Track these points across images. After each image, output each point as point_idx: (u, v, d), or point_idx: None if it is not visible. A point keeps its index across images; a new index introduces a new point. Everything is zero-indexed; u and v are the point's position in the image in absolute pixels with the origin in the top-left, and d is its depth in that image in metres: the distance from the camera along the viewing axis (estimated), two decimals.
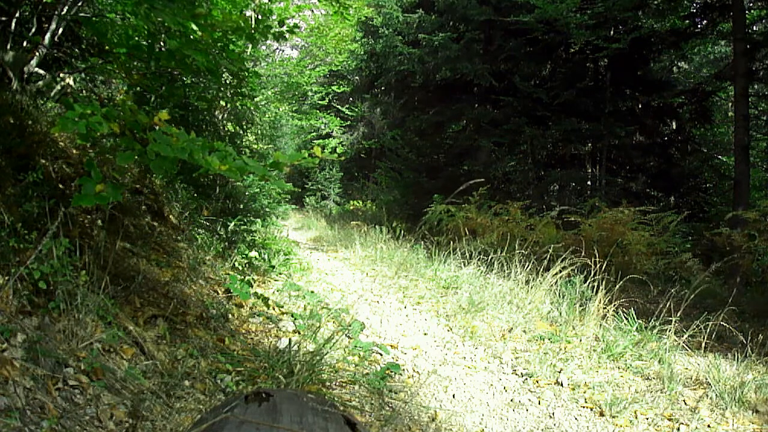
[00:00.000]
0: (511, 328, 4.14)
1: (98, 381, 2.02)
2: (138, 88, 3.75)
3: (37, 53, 3.37)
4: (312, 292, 4.55)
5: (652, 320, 3.80)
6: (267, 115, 7.52)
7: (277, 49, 14.00)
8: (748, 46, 7.82)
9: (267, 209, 5.38)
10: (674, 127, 11.54)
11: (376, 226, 8.74)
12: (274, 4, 5.32)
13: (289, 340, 3.00)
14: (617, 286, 4.08)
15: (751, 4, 9.16)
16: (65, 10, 3.39)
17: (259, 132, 6.47)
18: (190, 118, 4.35)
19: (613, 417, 2.79)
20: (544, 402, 2.98)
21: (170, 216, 4.31)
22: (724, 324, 3.57)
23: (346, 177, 19.27)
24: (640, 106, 10.88)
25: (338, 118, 15.60)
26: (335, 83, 16.03)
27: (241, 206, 4.98)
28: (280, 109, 9.64)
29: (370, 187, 17.72)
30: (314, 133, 17.56)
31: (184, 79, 3.88)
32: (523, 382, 3.25)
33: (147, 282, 3.05)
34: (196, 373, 2.48)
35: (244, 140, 5.55)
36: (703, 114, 10.47)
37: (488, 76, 10.38)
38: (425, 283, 5.65)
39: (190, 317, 3.03)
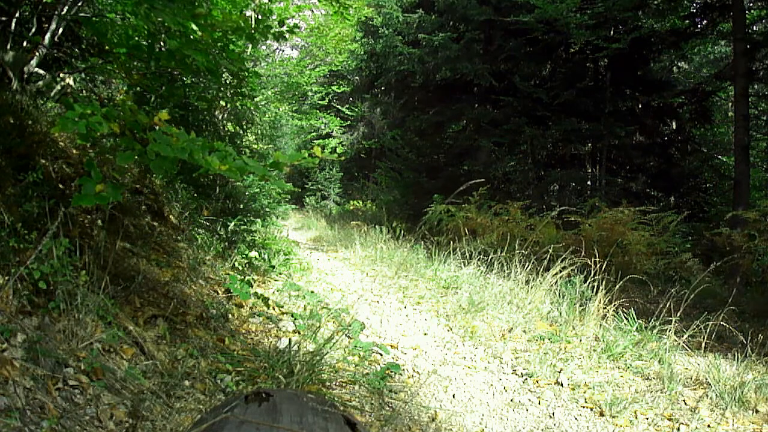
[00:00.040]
0: (511, 328, 4.14)
1: (98, 381, 2.02)
2: (138, 88, 3.75)
3: (37, 53, 3.37)
4: (312, 292, 4.55)
5: (652, 320, 3.80)
6: (267, 115, 7.52)
7: (277, 49, 14.01)
8: (748, 46, 7.82)
9: (267, 209, 5.38)
10: (674, 127, 11.54)
11: (376, 226, 8.74)
12: (274, 4, 5.32)
13: (289, 340, 3.00)
14: (617, 286, 4.08)
15: (751, 4, 9.16)
16: (65, 10, 3.39)
17: (259, 132, 6.47)
18: (190, 118, 4.35)
19: (613, 417, 2.79)
20: (544, 402, 2.98)
21: (170, 216, 4.31)
22: (724, 324, 3.57)
23: (346, 177, 19.27)
24: (640, 106, 10.88)
25: (338, 118, 15.60)
26: (335, 83, 16.03)
27: (241, 206, 4.98)
28: (280, 109, 9.64)
29: (370, 187, 17.72)
30: (314, 133, 17.56)
31: (184, 79, 3.88)
32: (523, 382, 3.25)
33: (147, 282, 3.05)
34: (196, 373, 2.48)
35: (244, 140, 5.55)
36: (703, 114, 10.47)
37: (488, 76, 10.38)
38: (425, 283, 5.65)
39: (190, 317, 3.03)
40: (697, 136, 11.37)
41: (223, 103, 4.65)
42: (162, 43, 3.26)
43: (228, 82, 4.22)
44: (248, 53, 5.76)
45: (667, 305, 3.70)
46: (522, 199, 9.15)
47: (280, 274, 5.16)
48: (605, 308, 4.09)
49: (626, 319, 3.99)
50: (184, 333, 2.85)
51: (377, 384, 2.89)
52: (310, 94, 13.90)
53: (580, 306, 4.27)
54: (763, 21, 10.00)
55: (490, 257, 5.63)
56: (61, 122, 1.90)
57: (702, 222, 9.51)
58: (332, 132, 17.22)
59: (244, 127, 5.40)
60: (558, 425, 2.72)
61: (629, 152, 10.58)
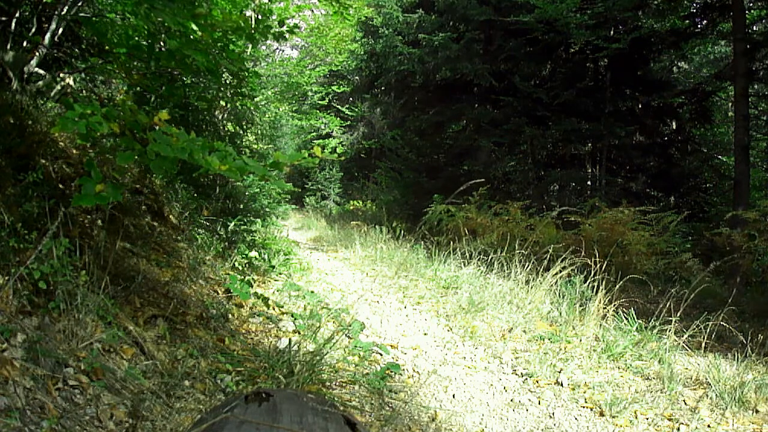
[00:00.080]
0: (511, 328, 4.14)
1: (98, 381, 2.02)
2: (138, 88, 3.75)
3: (37, 53, 3.37)
4: (312, 292, 4.55)
5: (652, 320, 3.80)
6: (267, 115, 7.52)
7: (277, 49, 14.01)
8: (748, 46, 7.82)
9: (267, 209, 5.38)
10: (674, 127, 11.53)
11: (376, 226, 8.74)
12: (274, 4, 5.32)
13: (289, 340, 3.00)
14: (617, 286, 4.08)
15: (751, 4, 9.16)
16: (65, 10, 3.39)
17: (259, 132, 6.47)
18: (190, 118, 4.35)
19: (613, 417, 2.79)
20: (544, 402, 2.98)
21: (170, 216, 4.31)
22: (724, 324, 3.57)
23: (346, 177, 19.27)
24: (640, 106, 10.88)
25: (338, 118, 15.59)
26: (335, 83, 16.03)
27: (241, 206, 4.98)
28: (280, 109, 9.64)
29: (370, 187, 17.72)
30: (314, 133, 17.56)
31: (184, 79, 3.88)
32: (523, 382, 3.25)
33: (147, 282, 3.05)
34: (196, 373, 2.48)
35: (244, 140, 5.55)
36: (703, 114, 10.47)
37: (488, 76, 10.38)
38: (425, 283, 5.65)
39: (190, 317, 3.03)
40: (697, 136, 11.37)
41: (223, 103, 4.65)
42: (162, 43, 3.26)
43: (228, 82, 4.22)
44: (248, 53, 5.76)
45: (667, 305, 3.70)
46: (522, 199, 9.15)
47: (280, 274, 5.15)
48: (605, 308, 4.09)
49: (626, 319, 3.99)
50: (184, 333, 2.85)
51: (377, 384, 2.89)
52: (310, 94, 13.90)
53: (580, 306, 4.27)
54: (763, 21, 10.00)
55: (490, 257, 5.63)
56: (61, 122, 1.90)
57: (702, 222, 9.51)
58: (332, 132, 17.22)
59: (244, 127, 5.40)
60: (558, 425, 2.72)
61: (629, 152, 10.58)
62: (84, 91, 4.22)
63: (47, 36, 3.38)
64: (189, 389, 2.32)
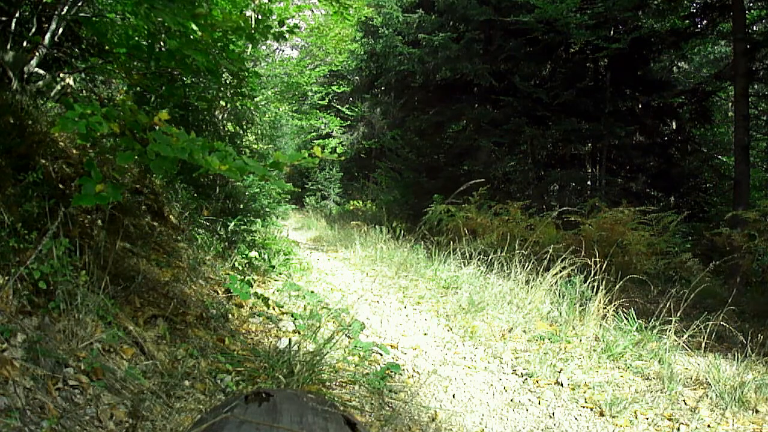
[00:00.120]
0: (511, 328, 4.14)
1: (98, 381, 2.02)
2: (138, 88, 3.75)
3: (37, 53, 3.37)
4: (312, 292, 4.55)
5: (652, 320, 3.80)
6: (267, 115, 7.51)
7: (277, 49, 14.01)
8: (748, 46, 7.82)
9: (267, 209, 5.38)
10: (674, 127, 11.53)
11: (376, 226, 8.74)
12: (274, 4, 5.32)
13: (289, 340, 3.00)
14: (617, 286, 4.08)
15: (751, 4, 9.16)
16: (65, 10, 3.39)
17: (259, 132, 6.47)
18: (190, 118, 4.35)
19: (613, 417, 2.79)
20: (544, 402, 2.98)
21: (170, 216, 4.31)
22: (724, 324, 3.57)
23: (346, 177, 19.26)
24: (640, 106, 10.88)
25: (338, 118, 15.59)
26: (335, 83, 16.03)
27: (241, 206, 4.98)
28: (280, 109, 9.64)
29: (370, 187, 17.71)
30: (314, 133, 17.56)
31: (184, 79, 3.88)
32: (523, 382, 3.25)
33: (147, 282, 3.05)
34: (196, 373, 2.48)
35: (244, 140, 5.55)
36: (703, 114, 10.47)
37: (488, 76, 10.37)
38: (425, 283, 5.65)
39: (190, 317, 3.03)
40: (697, 136, 11.37)
41: (223, 103, 4.65)
42: (162, 43, 3.26)
43: (228, 82, 4.22)
44: (248, 53, 5.76)
45: (667, 305, 3.70)
46: (522, 199, 9.15)
47: (280, 274, 5.15)
48: (605, 308, 4.09)
49: (626, 319, 3.99)
50: (184, 333, 2.85)
51: (377, 384, 2.89)
52: (310, 94, 13.90)
53: (580, 306, 4.27)
54: (763, 21, 10.00)
55: (490, 257, 5.63)
56: (61, 122, 1.90)
57: (702, 222, 9.51)
58: (332, 132, 17.21)
59: (244, 127, 5.40)
60: (558, 425, 2.72)
61: (629, 152, 10.58)
62: (84, 91, 4.22)
63: (47, 36, 3.38)
64: (189, 389, 2.32)
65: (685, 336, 3.50)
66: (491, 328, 4.22)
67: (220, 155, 2.07)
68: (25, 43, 3.38)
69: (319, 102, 14.59)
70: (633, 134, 10.75)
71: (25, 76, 3.34)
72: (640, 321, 3.93)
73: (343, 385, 2.86)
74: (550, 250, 4.78)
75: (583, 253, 4.57)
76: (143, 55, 3.33)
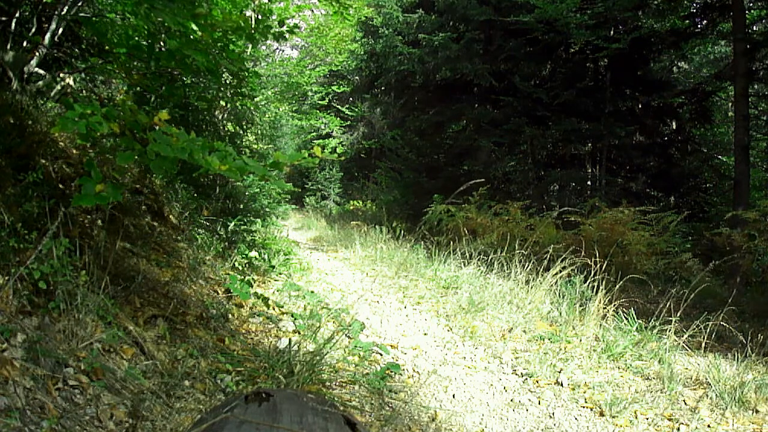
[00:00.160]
0: (511, 328, 4.14)
1: (98, 381, 2.02)
2: (138, 88, 3.75)
3: (37, 53, 3.37)
4: (312, 292, 4.55)
5: (652, 320, 3.80)
6: (267, 115, 7.51)
7: (277, 49, 14.02)
8: (748, 46, 7.82)
9: (267, 209, 5.38)
10: (674, 127, 11.53)
11: (376, 226, 8.74)
12: (274, 4, 5.32)
13: (289, 340, 3.00)
14: (617, 286, 4.08)
15: (751, 4, 9.16)
16: (65, 10, 3.39)
17: (259, 132, 6.47)
18: (190, 118, 4.35)
19: (613, 417, 2.79)
20: (544, 402, 2.98)
21: (170, 216, 4.31)
22: (724, 324, 3.57)
23: (346, 177, 19.27)
24: (640, 106, 10.88)
25: (338, 118, 15.60)
26: (335, 83, 16.03)
27: (241, 206, 4.98)
28: (280, 109, 9.64)
29: (370, 187, 17.71)
30: (314, 133, 17.56)
31: (184, 79, 3.88)
32: (523, 382, 3.25)
33: (147, 282, 3.05)
34: (196, 373, 2.48)
35: (244, 140, 5.55)
36: (703, 114, 10.47)
37: (488, 76, 10.37)
38: (425, 283, 5.65)
39: (190, 317, 3.03)
40: (697, 136, 11.37)
41: (223, 103, 4.65)
42: (162, 43, 3.26)
43: (228, 82, 4.22)
44: (248, 53, 5.76)
45: (667, 305, 3.70)
46: (522, 199, 9.15)
47: (280, 274, 5.16)
48: (605, 308, 4.09)
49: (626, 319, 3.99)
50: (184, 333, 2.85)
51: (377, 384, 2.89)
52: (310, 94, 13.90)
53: (580, 306, 4.27)
54: (763, 21, 10.00)
55: (490, 257, 5.63)
56: (61, 122, 1.90)
57: (702, 222, 9.51)
58: (332, 132, 17.21)
59: (244, 127, 5.40)
60: (558, 425, 2.72)
61: (629, 152, 10.58)
62: (84, 91, 4.22)
63: (47, 36, 3.38)
64: (189, 389, 2.32)
65: (685, 336, 3.50)
66: (491, 328, 4.22)
67: (220, 155, 2.07)
68: (25, 43, 3.38)
69: (319, 102, 14.59)
70: (633, 134, 10.76)
71: (25, 76, 3.34)
72: (640, 321, 3.93)
73: (343, 385, 2.86)
74: (550, 250, 4.78)
75: (583, 253, 4.57)
76: (143, 55, 3.33)
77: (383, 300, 4.98)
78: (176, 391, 2.24)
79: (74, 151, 3.46)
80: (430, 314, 4.66)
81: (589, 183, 10.95)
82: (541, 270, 4.78)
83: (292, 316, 3.83)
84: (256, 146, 6.14)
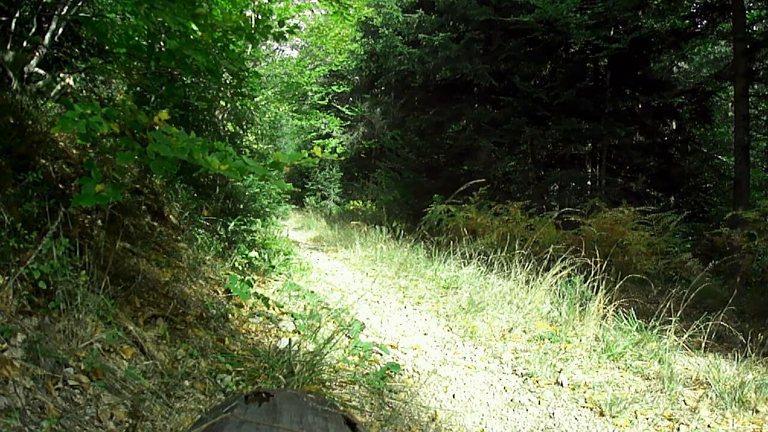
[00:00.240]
0: (511, 328, 4.14)
1: (98, 381, 2.02)
2: (138, 88, 3.75)
3: (37, 53, 3.37)
4: (312, 292, 4.55)
5: (652, 320, 3.80)
6: (267, 115, 7.51)
7: (277, 49, 14.02)
8: (748, 46, 7.82)
9: (267, 209, 5.38)
10: (674, 127, 11.53)
11: (376, 226, 8.74)
12: (274, 4, 5.32)
13: (289, 340, 3.00)
14: (617, 286, 4.08)
15: (751, 4, 9.16)
16: (65, 10, 3.39)
17: (259, 132, 6.47)
18: (190, 118, 4.35)
19: (613, 417, 2.79)
20: (544, 402, 2.98)
21: (170, 216, 4.31)
22: (724, 324, 3.57)
23: (346, 177, 19.27)
24: (640, 106, 10.88)
25: (338, 118, 15.59)
26: (335, 83, 16.03)
27: (241, 206, 4.98)
28: (280, 109, 9.64)
29: (370, 187, 17.71)
30: (314, 133, 17.56)
31: (184, 79, 3.88)
32: (523, 382, 3.25)
33: (147, 282, 3.05)
34: (196, 373, 2.48)
35: (244, 140, 5.55)
36: (703, 114, 10.47)
37: (488, 76, 10.37)
38: (425, 283, 5.65)
39: (190, 317, 3.03)
40: (697, 136, 11.37)
41: (223, 103, 4.65)
42: (162, 43, 3.26)
43: (228, 82, 4.22)
44: (248, 53, 5.76)
45: (667, 305, 3.70)
46: (522, 199, 9.14)
47: (280, 274, 5.16)
48: (605, 308, 4.09)
49: (626, 319, 3.99)
50: (184, 333, 2.85)
51: (377, 384, 2.89)
52: (310, 94, 13.90)
53: (580, 306, 4.27)
54: (763, 21, 10.00)
55: (490, 257, 5.63)
56: (61, 122, 1.90)
57: (702, 222, 9.51)
58: (332, 132, 17.21)
59: (244, 127, 5.40)
60: (558, 425, 2.72)
61: (629, 152, 10.58)
62: (84, 91, 4.22)
63: (47, 36, 3.38)
64: (189, 389, 2.32)
65: (685, 336, 3.50)
66: (491, 328, 4.22)
67: (220, 155, 2.07)
68: (25, 43, 3.38)
69: (319, 102, 14.59)
70: (633, 134, 10.75)
71: (25, 76, 3.34)
72: (640, 321, 3.93)
73: (343, 385, 2.86)
74: (550, 250, 4.78)
75: (583, 253, 4.57)
76: (143, 55, 3.33)
77: (383, 300, 4.98)
78: (176, 391, 2.24)
79: (74, 151, 3.46)
80: (430, 314, 4.66)
81: (589, 183, 10.95)
82: (541, 270, 4.78)
83: (292, 316, 3.83)
84: (256, 146, 6.14)
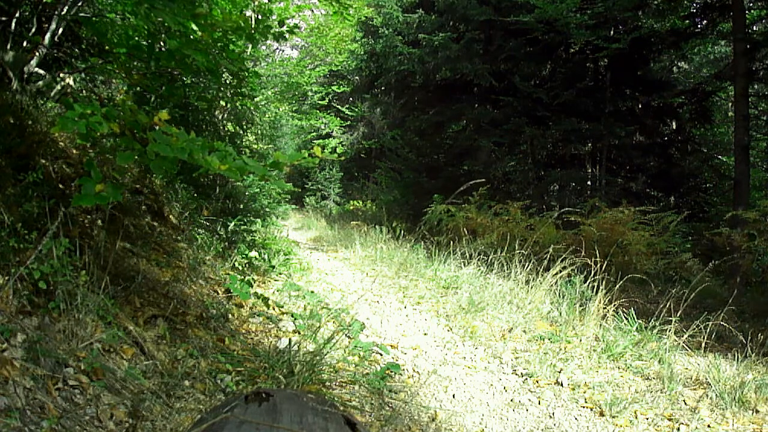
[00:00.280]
0: (511, 328, 4.14)
1: (98, 381, 2.02)
2: (138, 88, 3.75)
3: (37, 53, 3.37)
4: (312, 292, 4.55)
5: (652, 320, 3.80)
6: (267, 115, 7.51)
7: (277, 49, 14.02)
8: (748, 46, 7.82)
9: (267, 209, 5.38)
10: (674, 127, 11.53)
11: (376, 226, 8.74)
12: (274, 4, 5.32)
13: (289, 340, 3.00)
14: (617, 286, 4.08)
15: (751, 4, 9.16)
16: (65, 10, 3.39)
17: (259, 132, 6.47)
18: (190, 118, 4.35)
19: (613, 417, 2.79)
20: (544, 402, 2.98)
21: (170, 216, 4.31)
22: (724, 324, 3.57)
23: (346, 177, 19.27)
24: (640, 106, 10.88)
25: (338, 118, 15.60)
26: (335, 83, 16.03)
27: (241, 206, 4.98)
28: (280, 109, 9.64)
29: (370, 187, 17.72)
30: (314, 133, 17.56)
31: (184, 79, 3.88)
32: (523, 382, 3.25)
33: (147, 282, 3.05)
34: (196, 373, 2.48)
35: (244, 140, 5.55)
36: (703, 114, 10.47)
37: (488, 76, 10.37)
38: (425, 283, 5.65)
39: (190, 317, 3.03)
40: (697, 136, 11.37)
41: (223, 103, 4.65)
42: (162, 43, 3.26)
43: (228, 82, 4.22)
44: (248, 53, 5.76)
45: (667, 305, 3.70)
46: (522, 199, 9.14)
47: (280, 274, 5.16)
48: (605, 308, 4.09)
49: (626, 319, 3.99)
50: (184, 333, 2.85)
51: (377, 384, 2.89)
52: (310, 94, 13.91)
53: (580, 306, 4.27)
54: (763, 21, 10.00)
55: (490, 257, 5.63)
56: (61, 122, 1.90)
57: (702, 222, 9.51)
58: (332, 132, 17.22)
59: (244, 127, 5.40)
60: (558, 425, 2.72)
61: (629, 152, 10.58)
62: (84, 91, 4.22)
63: (47, 36, 3.38)
64: (189, 389, 2.32)
65: (685, 336, 3.50)
66: (491, 328, 4.22)
67: (220, 155, 2.07)
68: (25, 43, 3.38)
69: (319, 102, 14.60)
70: (633, 134, 10.75)
71: (25, 76, 3.34)
72: (640, 321, 3.93)
73: (343, 385, 2.86)
74: (550, 250, 4.78)
75: (583, 253, 4.57)
76: (143, 55, 3.33)
77: (383, 300, 4.98)
78: (176, 391, 2.24)
79: (74, 151, 3.46)
80: (430, 314, 4.66)
81: (589, 183, 10.95)
82: (541, 270, 4.78)
83: (292, 316, 3.83)
84: (256, 146, 6.14)
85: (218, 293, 3.76)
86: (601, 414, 2.83)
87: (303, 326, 3.56)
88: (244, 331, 3.34)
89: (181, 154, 1.97)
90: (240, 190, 4.97)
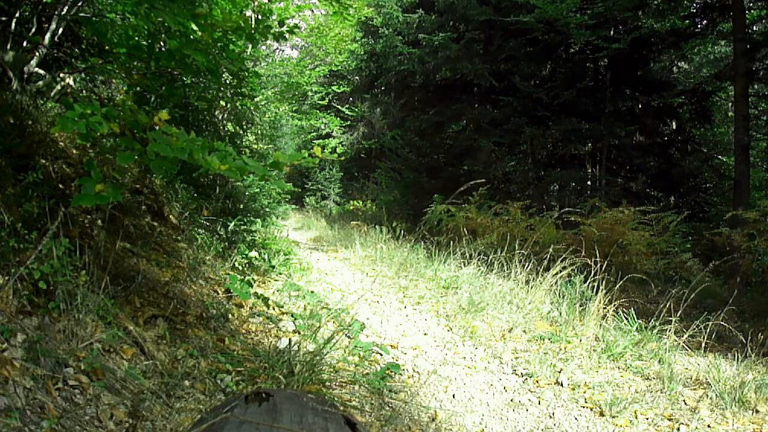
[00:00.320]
0: (511, 328, 4.14)
1: (98, 381, 2.02)
2: (138, 88, 3.75)
3: (37, 53, 3.37)
4: (312, 292, 4.55)
5: (652, 320, 3.80)
6: (267, 115, 7.51)
7: (277, 49, 14.02)
8: (748, 46, 7.82)
9: (267, 209, 5.38)
10: (674, 127, 11.54)
11: (376, 226, 8.74)
12: (274, 4, 5.32)
13: (289, 340, 3.00)
14: (617, 286, 4.08)
15: (751, 4, 9.16)
16: (65, 10, 3.39)
17: (259, 132, 6.47)
18: (190, 118, 4.35)
19: (613, 417, 2.79)
20: (544, 402, 2.98)
21: (170, 216, 4.31)
22: (724, 324, 3.57)
23: (346, 177, 19.27)
24: (640, 106, 10.88)
25: (338, 118, 15.60)
26: (335, 83, 16.04)
27: (241, 206, 4.98)
28: (280, 109, 9.64)
29: (370, 187, 17.72)
30: (314, 133, 17.56)
31: (184, 79, 3.88)
32: (523, 382, 3.25)
33: (147, 282, 3.05)
34: (196, 373, 2.48)
35: (244, 140, 5.55)
36: (703, 114, 10.47)
37: (488, 76, 10.37)
38: (425, 283, 5.65)
39: (190, 317, 3.03)
40: (697, 136, 11.37)
41: (223, 103, 4.65)
42: (162, 43, 3.26)
43: (228, 82, 4.22)
44: (248, 53, 5.76)
45: (667, 305, 3.70)
46: (522, 199, 9.14)
47: (280, 274, 5.15)
48: (605, 308, 4.09)
49: (626, 319, 3.99)
50: (184, 333, 2.85)
51: (377, 384, 2.89)
52: (310, 94, 13.91)
53: (580, 306, 4.27)
54: (763, 21, 10.00)
55: (490, 257, 5.63)
56: (61, 122, 1.90)
57: (702, 222, 9.51)
58: (332, 132, 17.22)
59: (244, 127, 5.40)
60: (558, 425, 2.72)
61: (629, 152, 10.58)
62: (84, 91, 4.22)
63: (47, 36, 3.38)
64: (189, 389, 2.32)
65: (685, 336, 3.50)
66: (491, 328, 4.22)
67: (220, 155, 2.07)
68: (25, 43, 3.38)
69: (319, 102, 14.60)
70: (633, 134, 10.75)
71: (25, 76, 3.34)
72: (640, 321, 3.93)
73: (343, 385, 2.86)
74: (550, 250, 4.78)
75: (583, 253, 4.57)
76: (143, 55, 3.33)
77: (383, 300, 4.98)
78: (176, 391, 2.24)
79: (74, 151, 3.46)
80: (430, 314, 4.66)
81: (589, 183, 10.95)
82: (541, 270, 4.78)
83: (292, 316, 3.83)
84: (256, 146, 6.14)
85: (218, 293, 3.76)
86: (601, 414, 2.83)
87: (303, 326, 3.56)
88: (244, 331, 3.34)
89: (181, 154, 1.97)
90: (240, 190, 4.97)
